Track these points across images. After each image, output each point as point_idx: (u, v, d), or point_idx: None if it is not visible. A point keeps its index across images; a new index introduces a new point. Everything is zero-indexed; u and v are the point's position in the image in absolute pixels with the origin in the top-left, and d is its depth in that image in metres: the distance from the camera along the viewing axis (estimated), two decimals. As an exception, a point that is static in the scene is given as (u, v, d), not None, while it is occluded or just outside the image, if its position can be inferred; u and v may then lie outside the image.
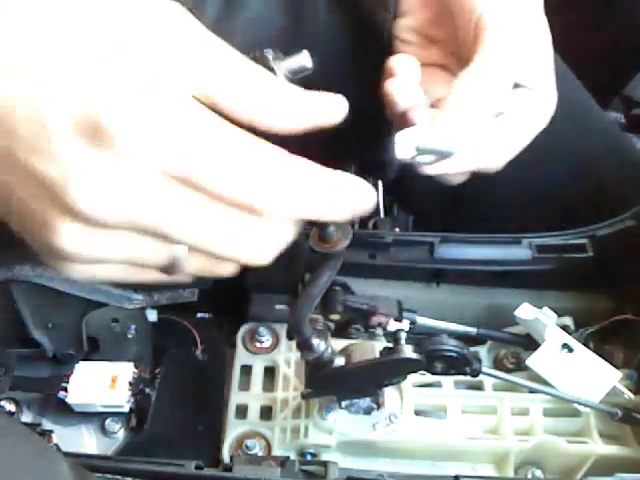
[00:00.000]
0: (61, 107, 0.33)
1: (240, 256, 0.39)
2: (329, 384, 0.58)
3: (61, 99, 0.33)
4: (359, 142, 0.67)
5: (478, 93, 0.47)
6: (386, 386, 0.60)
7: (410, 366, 0.56)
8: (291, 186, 0.37)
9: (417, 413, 0.62)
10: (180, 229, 0.36)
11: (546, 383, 0.62)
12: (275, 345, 0.68)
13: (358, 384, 0.59)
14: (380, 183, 0.82)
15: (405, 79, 0.50)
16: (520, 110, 0.52)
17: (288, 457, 0.57)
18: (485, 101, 0.47)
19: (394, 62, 0.51)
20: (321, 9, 0.70)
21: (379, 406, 0.61)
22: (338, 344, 0.59)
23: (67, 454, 0.49)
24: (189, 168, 0.34)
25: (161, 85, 0.35)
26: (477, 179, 0.66)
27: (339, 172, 0.39)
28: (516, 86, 0.51)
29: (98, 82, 0.34)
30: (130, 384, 0.64)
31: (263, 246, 0.40)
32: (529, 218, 0.73)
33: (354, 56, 0.65)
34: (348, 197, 0.39)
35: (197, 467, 0.52)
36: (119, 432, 0.64)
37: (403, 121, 0.49)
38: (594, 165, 0.74)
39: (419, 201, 0.72)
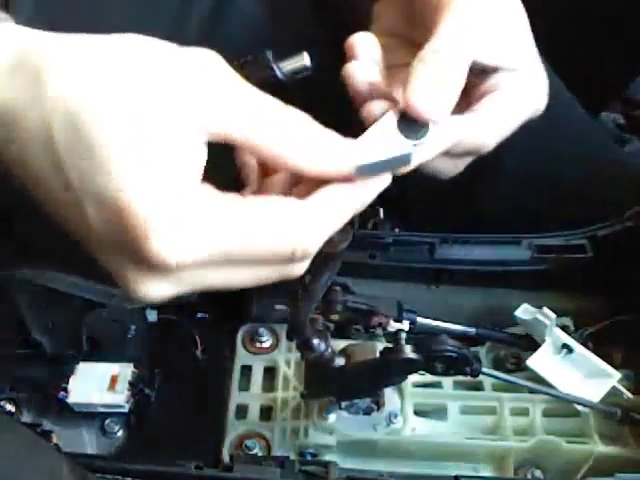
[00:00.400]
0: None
1: None
2: (329, 384, 0.58)
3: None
4: None
5: (435, 73, 0.45)
6: (386, 386, 0.60)
7: (410, 366, 0.56)
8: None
9: (417, 413, 0.62)
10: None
11: (546, 383, 0.62)
12: (275, 345, 0.68)
13: (358, 384, 0.59)
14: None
15: (365, 60, 0.49)
16: (505, 92, 0.51)
17: (288, 457, 0.57)
18: (444, 80, 0.46)
19: (354, 41, 0.49)
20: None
21: (379, 406, 0.61)
22: (338, 344, 0.59)
23: (67, 454, 0.49)
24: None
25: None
26: (474, 186, 0.67)
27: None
28: (496, 70, 0.50)
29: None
30: (130, 384, 0.64)
31: None
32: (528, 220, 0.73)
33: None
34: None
35: (197, 467, 0.52)
36: (119, 432, 0.64)
37: (365, 113, 0.48)
38: (591, 169, 0.74)
39: (411, 209, 0.73)
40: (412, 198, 0.73)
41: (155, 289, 0.36)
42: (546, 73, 0.54)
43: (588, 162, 0.71)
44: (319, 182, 0.39)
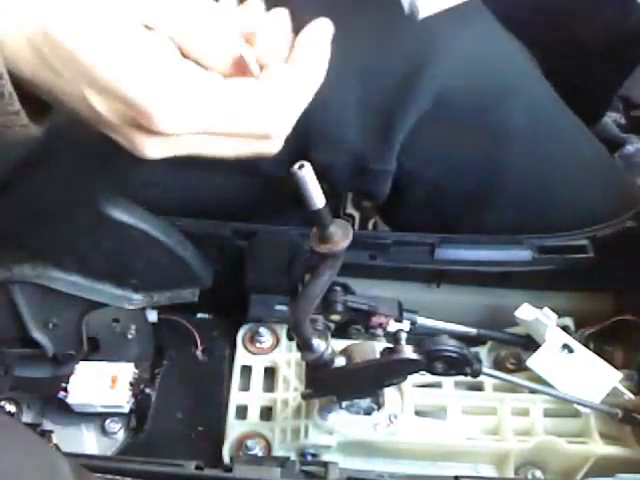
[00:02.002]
0: None
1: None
2: (329, 384, 0.58)
3: None
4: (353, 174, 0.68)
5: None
6: (386, 386, 0.60)
7: (410, 366, 0.56)
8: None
9: (417, 413, 0.62)
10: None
11: (546, 383, 0.62)
12: (275, 346, 0.68)
13: (358, 384, 0.59)
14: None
15: None
16: None
17: (288, 457, 0.57)
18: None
19: None
20: None
21: (379, 406, 0.61)
22: (338, 344, 0.59)
23: (67, 454, 0.49)
24: None
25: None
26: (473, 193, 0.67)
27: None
28: None
29: None
30: (130, 384, 0.64)
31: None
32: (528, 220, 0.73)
33: None
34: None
35: (197, 467, 0.52)
36: (119, 432, 0.64)
37: None
38: (588, 174, 0.74)
39: (406, 222, 0.73)
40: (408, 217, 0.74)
41: (155, 149, 0.42)
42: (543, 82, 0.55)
43: (583, 168, 0.71)
44: None
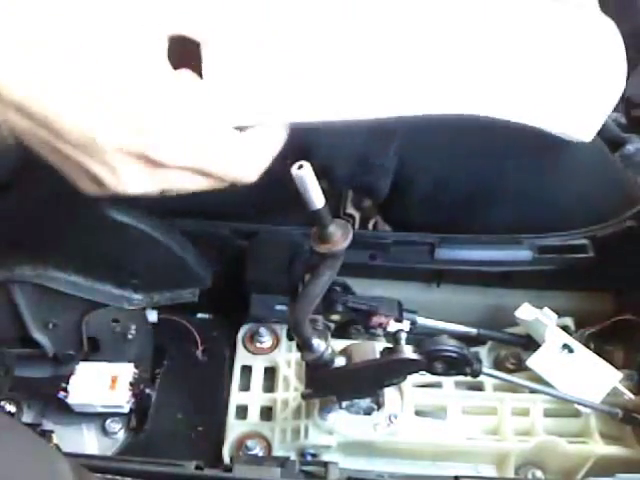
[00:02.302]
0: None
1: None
2: (329, 384, 0.58)
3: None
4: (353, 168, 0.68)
5: None
6: (386, 386, 0.60)
7: (410, 366, 0.56)
8: None
9: (417, 413, 0.62)
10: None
11: (547, 383, 0.62)
12: (275, 345, 0.68)
13: (358, 384, 0.59)
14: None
15: None
16: None
17: (288, 457, 0.57)
18: None
19: None
20: None
21: (379, 406, 0.61)
22: (338, 344, 0.59)
23: (67, 454, 0.49)
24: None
25: None
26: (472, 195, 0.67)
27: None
28: None
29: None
30: (130, 384, 0.64)
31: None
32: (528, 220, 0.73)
33: None
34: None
35: (197, 467, 0.52)
36: (119, 432, 0.64)
37: None
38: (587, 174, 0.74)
39: (407, 221, 0.73)
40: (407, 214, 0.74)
41: (142, 182, 0.43)
42: None
43: (584, 167, 0.71)
44: None
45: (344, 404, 0.60)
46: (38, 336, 0.66)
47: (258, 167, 0.47)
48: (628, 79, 0.56)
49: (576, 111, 0.54)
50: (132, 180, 0.42)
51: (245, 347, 0.68)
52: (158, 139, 0.41)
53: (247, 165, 0.46)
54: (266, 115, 0.45)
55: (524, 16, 0.52)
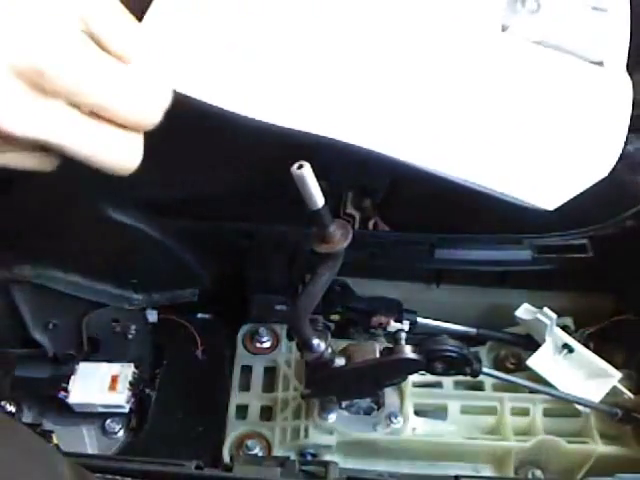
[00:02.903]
0: None
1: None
2: (329, 384, 0.58)
3: None
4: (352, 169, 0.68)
5: None
6: (386, 386, 0.60)
7: (410, 366, 0.56)
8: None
9: (417, 413, 0.62)
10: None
11: (546, 383, 0.62)
12: (275, 345, 0.68)
13: (358, 384, 0.59)
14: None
15: None
16: None
17: (288, 457, 0.57)
18: None
19: None
20: None
21: (379, 406, 0.61)
22: (338, 344, 0.59)
23: (67, 454, 0.49)
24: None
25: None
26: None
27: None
28: None
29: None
30: (130, 384, 0.64)
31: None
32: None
33: None
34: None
35: (197, 467, 0.52)
36: (119, 432, 0.65)
37: None
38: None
39: (406, 221, 0.73)
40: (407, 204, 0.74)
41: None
42: None
43: None
44: None
45: (344, 404, 0.60)
46: (38, 336, 0.66)
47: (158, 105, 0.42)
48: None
49: (549, 184, 0.48)
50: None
51: (245, 347, 0.68)
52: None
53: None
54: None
55: (519, 78, 0.48)
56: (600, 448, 0.59)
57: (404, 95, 0.46)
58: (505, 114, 0.47)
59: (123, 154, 0.41)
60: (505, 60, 0.49)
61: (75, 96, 0.38)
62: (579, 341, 0.64)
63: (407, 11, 0.48)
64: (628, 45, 0.52)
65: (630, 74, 0.51)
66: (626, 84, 0.50)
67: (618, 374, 0.62)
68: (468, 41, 0.49)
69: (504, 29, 0.50)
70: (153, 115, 0.41)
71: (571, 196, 0.49)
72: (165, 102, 0.42)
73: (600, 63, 0.50)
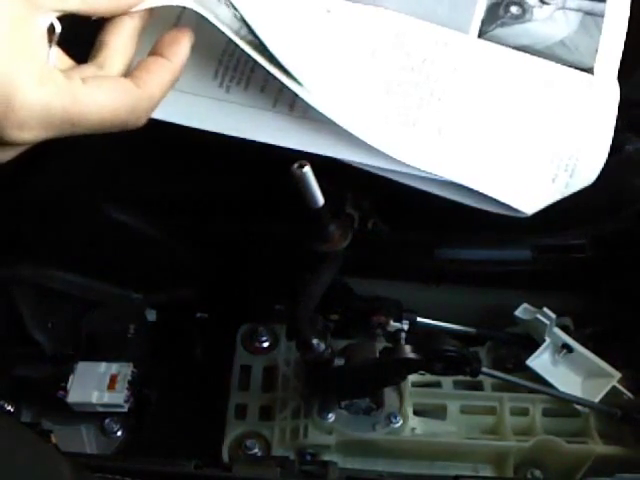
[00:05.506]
0: None
1: None
2: (329, 384, 0.58)
3: None
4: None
5: None
6: (386, 386, 0.60)
7: (410, 366, 0.56)
8: None
9: (417, 413, 0.62)
10: None
11: (546, 383, 0.62)
12: (275, 345, 0.68)
13: (358, 384, 0.59)
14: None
15: None
16: None
17: (287, 457, 0.57)
18: None
19: None
20: None
21: (379, 406, 0.61)
22: (338, 344, 0.59)
23: (67, 454, 0.49)
24: None
25: None
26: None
27: None
28: None
29: None
30: (129, 384, 0.64)
31: None
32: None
33: None
34: None
35: (197, 467, 0.52)
36: (118, 432, 0.64)
37: None
38: None
39: (406, 221, 0.73)
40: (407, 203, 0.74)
41: (5, 155, 0.40)
42: None
43: None
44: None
45: (343, 404, 0.60)
46: (37, 335, 0.66)
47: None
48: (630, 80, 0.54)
49: (528, 187, 0.48)
50: None
51: (244, 347, 0.68)
52: None
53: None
54: None
55: (496, 83, 0.48)
56: (599, 448, 0.59)
57: (385, 95, 0.46)
58: (484, 117, 0.47)
59: None
60: (480, 66, 0.48)
61: None
62: (579, 341, 0.64)
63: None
64: (624, 48, 0.51)
65: (631, 75, 0.51)
66: (614, 92, 0.50)
67: (618, 374, 0.62)
68: (444, 46, 0.49)
69: (482, 34, 0.50)
70: None
71: (551, 202, 0.49)
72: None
73: (589, 70, 0.49)
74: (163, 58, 0.42)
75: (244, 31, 0.43)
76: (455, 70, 0.48)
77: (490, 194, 0.46)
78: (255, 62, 0.43)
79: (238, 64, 0.47)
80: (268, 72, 0.43)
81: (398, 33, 0.48)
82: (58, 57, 0.40)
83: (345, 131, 0.45)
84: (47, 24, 0.39)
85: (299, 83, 0.43)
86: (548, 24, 0.51)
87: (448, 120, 0.47)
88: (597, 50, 0.50)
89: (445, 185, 0.48)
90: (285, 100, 0.46)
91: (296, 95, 0.44)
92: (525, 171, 0.47)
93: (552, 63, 0.49)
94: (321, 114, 0.44)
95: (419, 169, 0.46)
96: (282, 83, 0.43)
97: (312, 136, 0.45)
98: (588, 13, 0.51)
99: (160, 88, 0.42)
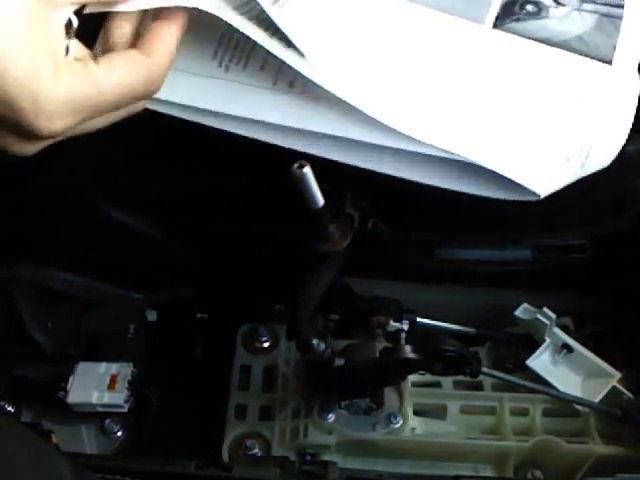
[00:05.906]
0: None
1: None
2: (329, 384, 0.58)
3: None
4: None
5: None
6: (386, 386, 0.60)
7: (410, 366, 0.56)
8: None
9: (417, 413, 0.62)
10: None
11: (546, 383, 0.62)
12: (275, 345, 0.68)
13: (358, 384, 0.59)
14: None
15: None
16: None
17: (287, 457, 0.57)
18: None
19: None
20: None
21: (379, 406, 0.61)
22: (338, 344, 0.59)
23: (67, 454, 0.49)
24: None
25: None
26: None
27: None
28: None
29: None
30: (129, 384, 0.64)
31: None
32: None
33: None
34: None
35: (197, 467, 0.52)
36: (119, 432, 0.64)
37: None
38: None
39: (406, 221, 0.73)
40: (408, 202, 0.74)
41: (35, 148, 0.41)
42: None
43: None
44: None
45: (343, 404, 0.60)
46: (37, 335, 0.66)
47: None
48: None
49: (542, 167, 0.47)
50: (27, 149, 0.41)
51: (244, 347, 0.68)
52: (27, 118, 0.38)
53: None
54: None
55: (527, 68, 0.48)
56: (600, 448, 0.59)
57: (402, 76, 0.46)
58: (497, 98, 0.47)
59: None
60: (496, 52, 0.49)
61: None
62: (579, 341, 0.64)
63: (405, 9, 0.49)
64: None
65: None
66: (633, 82, 0.50)
67: (618, 374, 0.62)
68: (459, 32, 0.49)
69: (497, 27, 0.50)
70: None
71: (563, 185, 0.49)
72: None
73: (609, 62, 0.50)
74: (166, 21, 0.42)
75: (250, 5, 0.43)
76: (470, 55, 0.48)
77: (504, 173, 0.46)
78: (255, 43, 0.43)
79: (238, 44, 0.47)
80: (268, 52, 0.43)
81: (413, 18, 0.49)
82: (74, 47, 0.41)
83: (347, 107, 0.44)
84: (65, 19, 0.39)
85: (302, 56, 0.43)
86: (565, 22, 0.51)
87: (461, 98, 0.47)
88: (615, 47, 0.51)
89: (448, 176, 0.48)
90: (285, 77, 0.46)
91: (298, 73, 0.44)
92: (539, 150, 0.47)
93: (570, 53, 0.50)
94: (324, 90, 0.44)
95: (431, 145, 0.46)
96: (282, 61, 0.43)
97: (313, 113, 0.45)
98: (605, 15, 0.52)
99: (168, 53, 0.43)
